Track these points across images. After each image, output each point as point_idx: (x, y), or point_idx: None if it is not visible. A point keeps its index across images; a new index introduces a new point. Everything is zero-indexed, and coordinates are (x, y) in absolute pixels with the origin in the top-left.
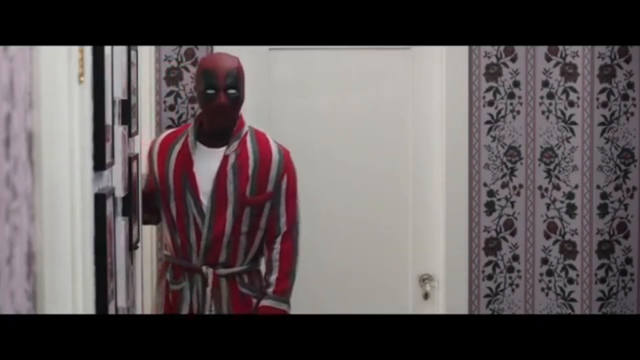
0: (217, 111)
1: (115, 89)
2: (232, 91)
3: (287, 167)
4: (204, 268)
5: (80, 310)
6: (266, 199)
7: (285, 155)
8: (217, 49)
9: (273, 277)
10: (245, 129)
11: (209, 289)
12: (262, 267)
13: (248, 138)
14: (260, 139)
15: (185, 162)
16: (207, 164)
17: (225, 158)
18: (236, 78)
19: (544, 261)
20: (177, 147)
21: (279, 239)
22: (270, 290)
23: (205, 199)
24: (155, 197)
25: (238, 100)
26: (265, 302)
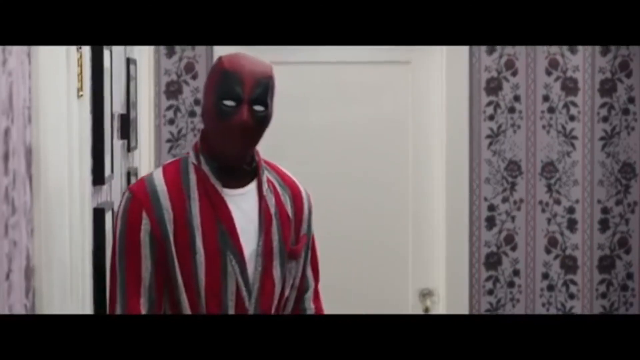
0: (234, 132)
1: (115, 103)
2: (259, 108)
3: (310, 201)
4: None
5: None
6: (303, 245)
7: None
8: (217, 49)
9: None
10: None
11: None
12: None
13: (266, 170)
14: (276, 169)
15: (219, 214)
16: (242, 212)
17: (263, 200)
18: (267, 90)
19: (545, 276)
20: (194, 195)
21: (309, 297)
22: None
23: (251, 262)
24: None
25: (264, 122)
26: None
